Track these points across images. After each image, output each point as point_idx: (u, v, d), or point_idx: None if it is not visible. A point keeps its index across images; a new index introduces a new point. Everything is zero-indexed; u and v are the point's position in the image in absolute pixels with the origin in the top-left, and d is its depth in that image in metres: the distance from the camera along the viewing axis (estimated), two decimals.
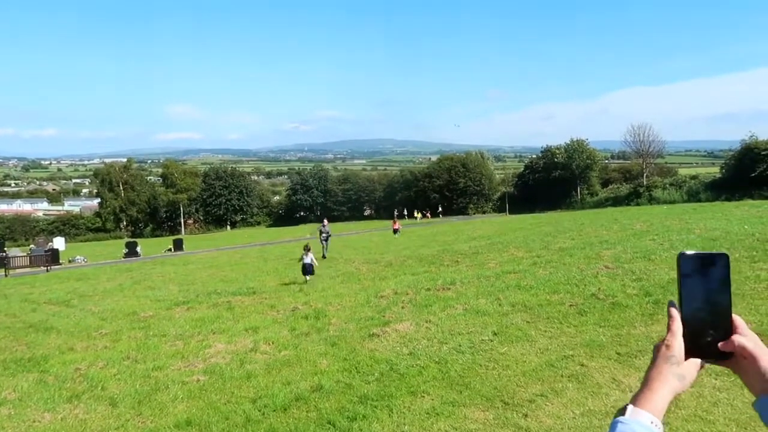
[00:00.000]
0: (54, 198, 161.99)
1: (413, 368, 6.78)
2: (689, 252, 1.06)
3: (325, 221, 27.34)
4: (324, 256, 23.54)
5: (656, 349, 1.04)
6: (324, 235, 25.44)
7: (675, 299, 1.08)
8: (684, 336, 1.04)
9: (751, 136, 49.58)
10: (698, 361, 1.04)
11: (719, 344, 1.04)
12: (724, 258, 1.06)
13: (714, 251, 1.06)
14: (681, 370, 1.01)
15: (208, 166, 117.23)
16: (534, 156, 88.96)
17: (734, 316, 1.05)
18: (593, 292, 9.57)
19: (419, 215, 69.37)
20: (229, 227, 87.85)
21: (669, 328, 1.05)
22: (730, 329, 1.04)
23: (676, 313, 1.06)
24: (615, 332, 7.29)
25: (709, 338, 1.04)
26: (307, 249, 16.97)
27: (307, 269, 16.60)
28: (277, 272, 20.26)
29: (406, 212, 65.08)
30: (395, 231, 48.29)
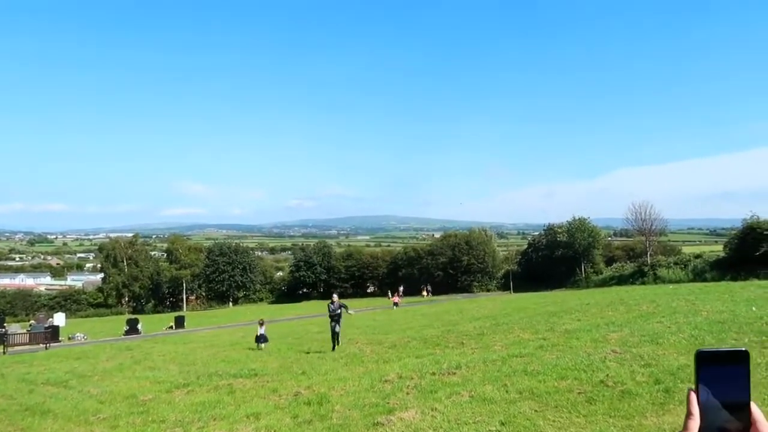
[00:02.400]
0: (57, 272, 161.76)
1: None
2: (707, 349, 1.09)
3: (335, 296, 20.48)
4: (333, 348, 19.00)
5: None
6: (333, 312, 19.52)
7: (692, 387, 1.10)
8: (701, 430, 1.06)
9: (753, 216, 49.92)
10: None
11: None
12: (743, 354, 1.09)
13: (733, 348, 1.09)
14: None
15: (213, 241, 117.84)
16: (537, 233, 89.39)
17: (753, 409, 1.07)
18: (602, 379, 9.40)
19: (426, 293, 69.31)
20: (231, 304, 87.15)
21: (689, 413, 1.08)
22: (749, 425, 1.06)
23: (695, 399, 1.08)
24: (626, 423, 7.12)
25: None
26: (261, 323, 23.45)
27: (259, 339, 22.58)
28: (279, 353, 19.97)
29: (401, 289, 64.51)
30: (395, 304, 49.82)
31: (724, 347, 1.13)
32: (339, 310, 19.61)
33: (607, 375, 9.65)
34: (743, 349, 1.10)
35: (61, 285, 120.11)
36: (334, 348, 18.92)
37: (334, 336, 19.34)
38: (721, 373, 1.10)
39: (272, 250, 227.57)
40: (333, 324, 19.40)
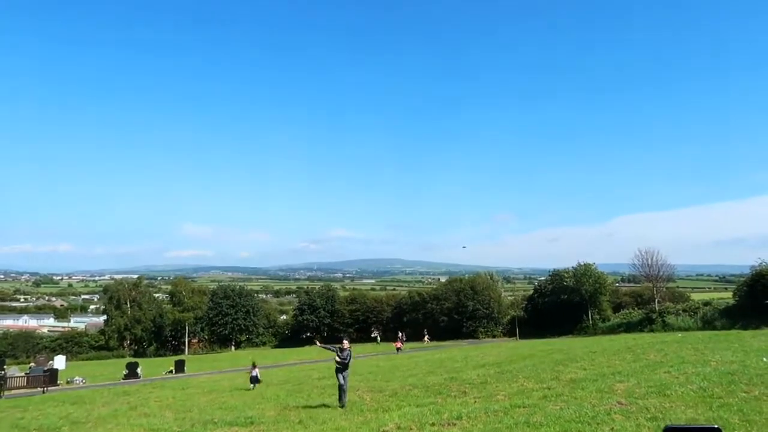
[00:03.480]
0: (61, 314, 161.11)
1: None
2: (676, 425, 1.00)
3: (345, 342, 17.12)
4: (341, 404, 16.11)
5: None
6: (341, 364, 16.45)
7: None
8: None
9: (761, 263, 49.42)
10: None
11: None
12: None
13: (705, 425, 1.00)
14: None
15: (218, 283, 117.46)
16: (543, 278, 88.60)
17: None
18: None
19: (426, 339, 68.78)
20: (233, 347, 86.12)
21: None
22: None
23: None
24: None
25: None
26: (253, 365, 25.87)
27: (252, 380, 25.07)
28: (278, 399, 19.54)
29: (401, 335, 63.64)
30: (398, 349, 49.66)
31: (696, 424, 1.04)
32: (348, 360, 16.54)
33: (612, 428, 9.34)
34: (715, 426, 1.01)
35: (63, 327, 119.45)
36: (342, 405, 16.04)
37: (342, 390, 16.31)
38: None
39: (277, 293, 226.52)
40: (338, 374, 16.39)
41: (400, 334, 62.02)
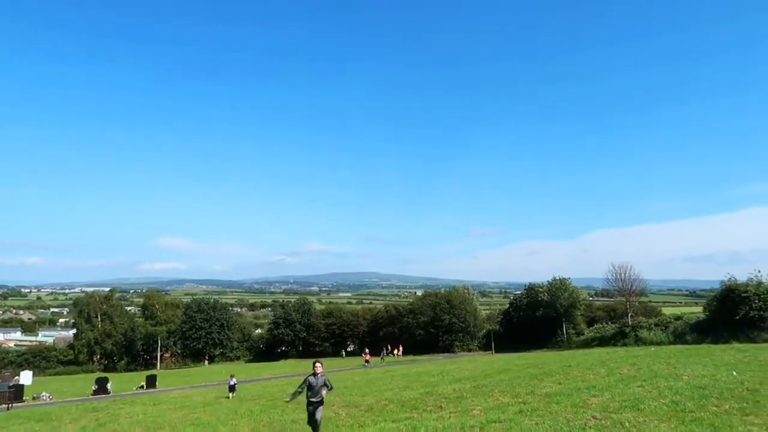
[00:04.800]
0: (29, 328, 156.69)
1: None
2: None
3: (318, 366, 13.49)
4: None
5: None
6: (314, 390, 13.19)
7: None
8: None
9: (730, 278, 50.35)
10: None
11: None
12: None
13: None
14: None
15: (192, 297, 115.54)
16: (518, 292, 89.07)
17: None
18: None
19: (397, 352, 69.05)
20: (207, 362, 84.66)
21: None
22: None
23: None
24: None
25: None
26: (231, 376, 30.29)
27: (230, 389, 28.98)
28: (251, 415, 19.22)
29: (367, 350, 63.91)
30: (366, 362, 53.64)
31: None
32: (322, 391, 13.21)
33: None
34: None
35: (31, 341, 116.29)
36: None
37: (314, 424, 13.23)
38: None
39: (252, 307, 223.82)
40: (311, 408, 13.17)
41: (366, 349, 63.11)
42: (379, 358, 62.41)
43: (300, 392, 13.41)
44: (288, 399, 15.30)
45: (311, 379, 13.15)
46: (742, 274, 52.12)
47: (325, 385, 13.27)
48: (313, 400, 13.07)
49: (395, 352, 68.30)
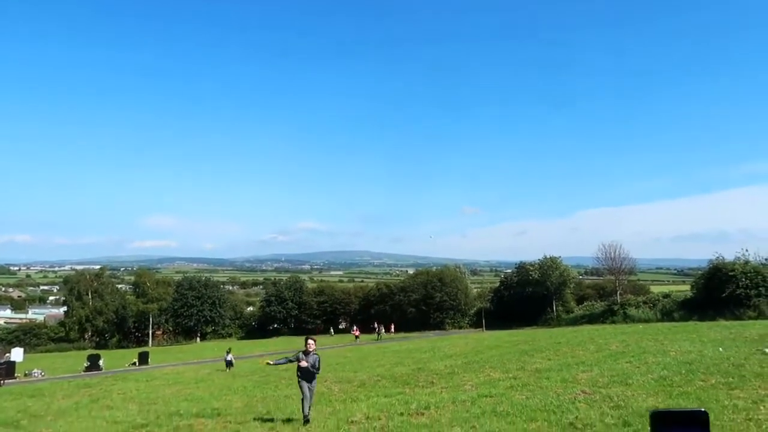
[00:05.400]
0: (18, 305, 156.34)
1: None
2: (663, 410, 0.99)
3: (311, 343, 12.37)
4: (305, 414, 11.77)
5: None
6: (304, 372, 12.04)
7: None
8: None
9: (718, 257, 50.93)
10: None
11: None
12: (702, 416, 0.98)
13: (691, 409, 0.99)
14: None
15: (183, 275, 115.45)
16: (509, 271, 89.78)
17: None
18: (571, 421, 9.27)
19: (383, 331, 67.66)
20: (198, 339, 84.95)
21: None
22: None
23: None
24: None
25: None
26: (228, 351, 31.85)
27: (227, 364, 30.56)
28: (245, 390, 19.36)
29: (355, 327, 64.28)
30: (356, 337, 56.63)
31: (682, 408, 1.02)
32: (315, 368, 12.14)
33: (577, 417, 9.52)
34: (702, 410, 1.00)
35: (21, 318, 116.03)
36: (306, 419, 11.71)
37: (306, 401, 11.88)
38: None
39: (243, 285, 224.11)
40: (303, 383, 12.02)
41: (354, 326, 64.44)
42: (374, 335, 62.06)
43: (286, 362, 13.03)
44: (271, 361, 13.68)
45: (301, 356, 12.17)
46: (730, 254, 52.73)
47: (317, 363, 12.10)
48: (303, 375, 12.01)
49: (382, 331, 64.79)
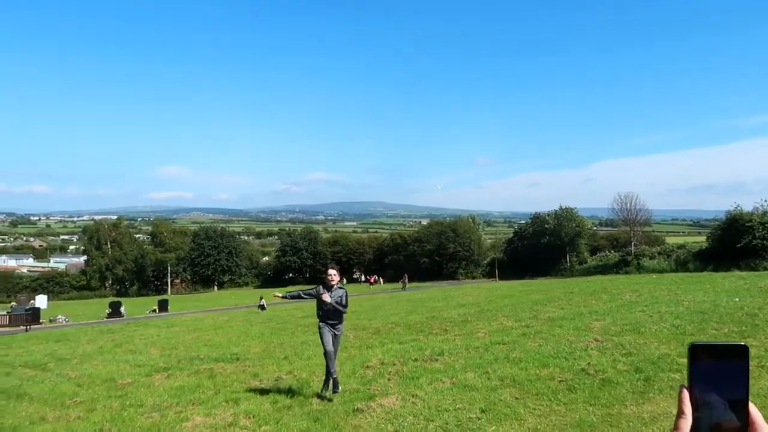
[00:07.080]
0: (40, 254, 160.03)
1: None
2: (702, 342, 0.97)
3: (332, 272, 9.11)
4: (333, 378, 9.04)
5: None
6: (329, 313, 9.05)
7: (684, 382, 0.99)
8: (693, 427, 0.95)
9: (737, 207, 50.36)
10: None
11: None
12: (743, 349, 0.97)
13: (732, 342, 0.98)
14: None
15: (199, 225, 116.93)
16: (523, 222, 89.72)
17: (752, 409, 0.96)
18: (583, 367, 9.39)
19: (374, 280, 67.83)
20: (216, 288, 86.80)
21: (680, 412, 0.97)
22: (746, 425, 0.96)
23: (687, 397, 0.97)
24: (605, 411, 7.10)
25: None
26: (261, 297, 36.50)
27: (260, 308, 34.78)
28: (262, 337, 19.83)
29: (373, 276, 65.57)
30: (371, 284, 60.87)
31: (722, 341, 1.00)
32: (342, 304, 9.14)
33: (589, 363, 9.65)
34: (742, 343, 0.97)
35: (43, 267, 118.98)
36: (335, 384, 9.08)
37: (330, 358, 8.95)
38: (717, 369, 0.96)
39: (259, 235, 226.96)
40: (324, 329, 9.09)
41: (367, 275, 67.32)
42: (399, 285, 58.48)
43: (299, 297, 10.18)
44: (279, 293, 10.76)
45: (320, 289, 9.18)
46: (748, 204, 52.13)
47: (342, 298, 9.16)
48: (328, 316, 9.10)
49: (406, 281, 61.17)
